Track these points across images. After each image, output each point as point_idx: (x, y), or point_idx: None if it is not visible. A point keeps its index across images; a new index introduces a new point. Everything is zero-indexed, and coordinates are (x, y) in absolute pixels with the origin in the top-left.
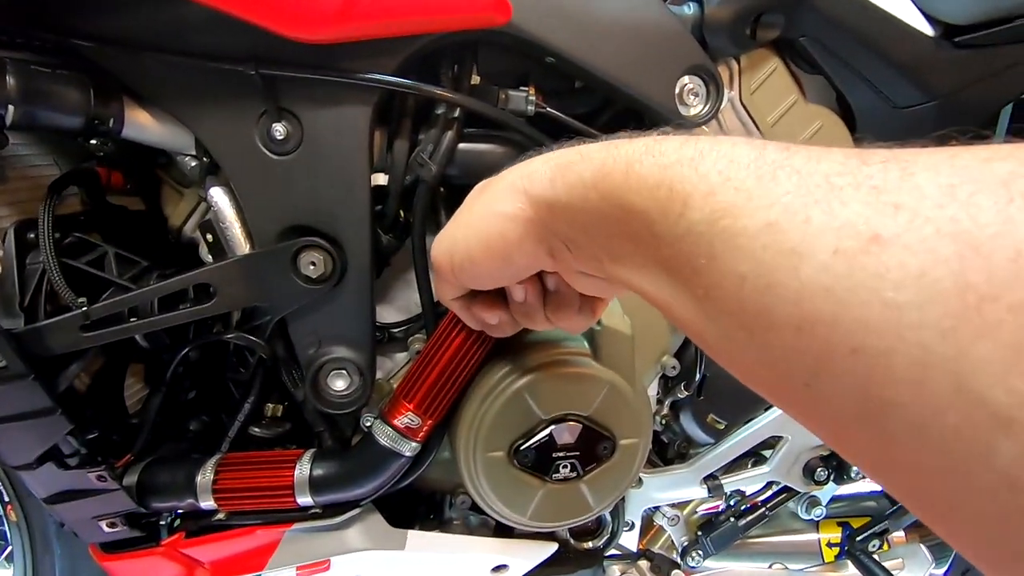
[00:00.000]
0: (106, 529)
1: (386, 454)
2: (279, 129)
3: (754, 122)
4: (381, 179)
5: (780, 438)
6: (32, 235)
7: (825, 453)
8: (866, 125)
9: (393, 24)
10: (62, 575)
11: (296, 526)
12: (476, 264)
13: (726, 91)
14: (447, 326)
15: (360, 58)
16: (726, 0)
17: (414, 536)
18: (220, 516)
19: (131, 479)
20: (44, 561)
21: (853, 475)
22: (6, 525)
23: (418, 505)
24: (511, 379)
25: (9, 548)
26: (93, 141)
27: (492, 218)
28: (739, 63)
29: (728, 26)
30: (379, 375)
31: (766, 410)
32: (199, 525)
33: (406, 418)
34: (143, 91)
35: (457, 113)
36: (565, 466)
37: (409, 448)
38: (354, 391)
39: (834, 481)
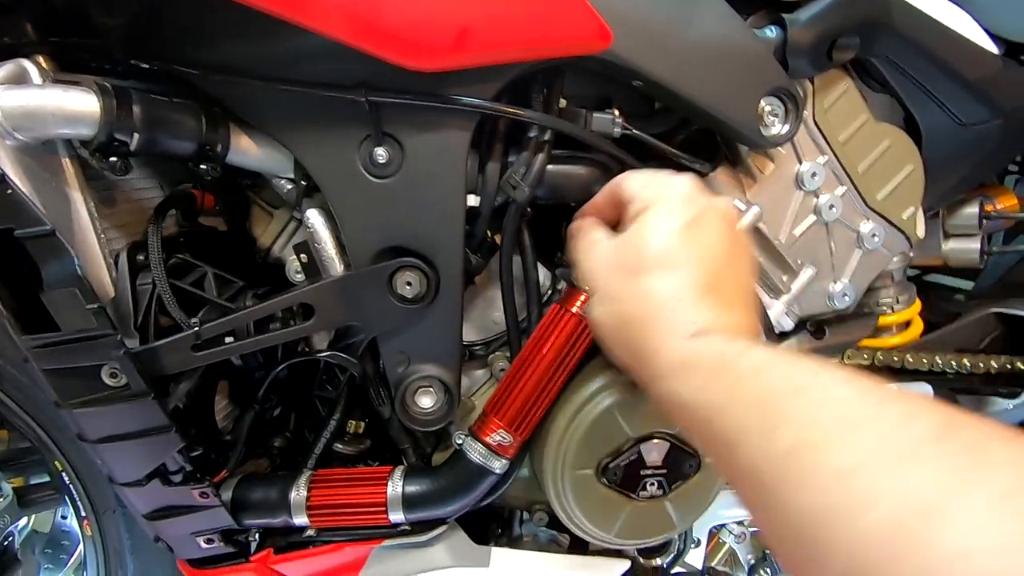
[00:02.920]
0: (203, 545)
1: (477, 471)
2: (381, 153)
3: (827, 141)
4: (472, 200)
5: None
6: (141, 257)
7: None
8: (933, 143)
9: (502, 53)
10: None
11: (384, 543)
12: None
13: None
14: (536, 343)
15: (463, 84)
16: (808, 24)
17: (498, 553)
18: (310, 532)
19: (226, 496)
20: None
21: None
22: (81, 539)
23: (489, 523)
24: (600, 397)
25: (77, 551)
26: (202, 167)
27: (645, 341)
28: (813, 84)
29: (809, 49)
30: (460, 392)
31: None
32: (287, 541)
33: (497, 435)
34: (249, 117)
35: (548, 136)
36: (652, 484)
37: (499, 465)
38: (440, 408)
39: None
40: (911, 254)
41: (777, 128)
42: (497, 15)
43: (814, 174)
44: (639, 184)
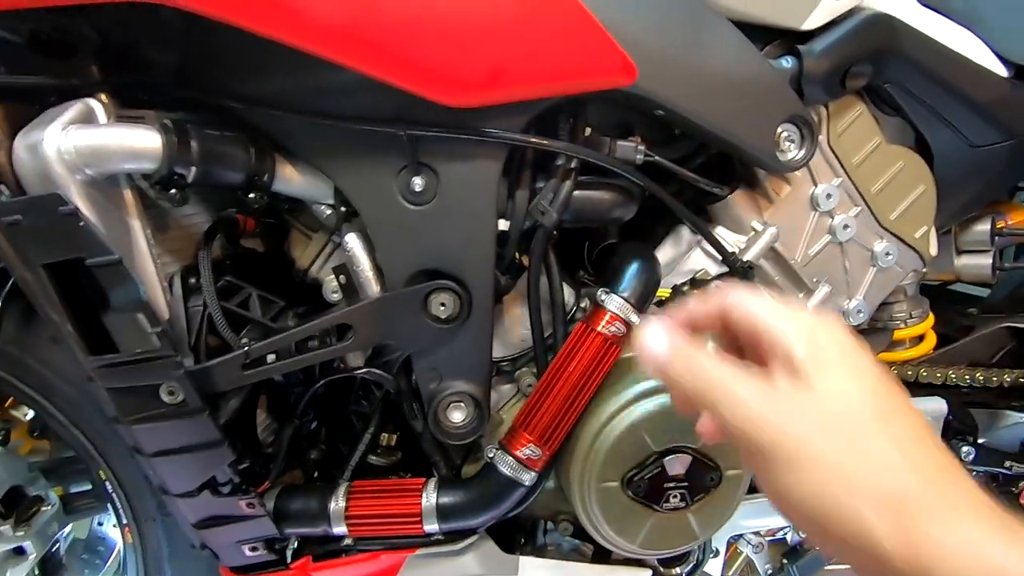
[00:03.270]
0: (248, 553)
1: (508, 483)
2: (418, 182)
3: (841, 164)
4: (502, 224)
5: None
6: (192, 280)
7: None
8: (944, 164)
9: (532, 89)
10: None
11: (418, 551)
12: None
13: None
14: (563, 360)
15: (496, 118)
16: (822, 54)
17: (526, 562)
18: (347, 541)
19: (268, 506)
20: None
21: None
22: (123, 546)
23: (514, 532)
24: (625, 413)
25: (112, 556)
26: (251, 195)
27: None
28: (827, 109)
29: (823, 78)
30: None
31: None
32: (325, 549)
33: (527, 449)
34: (293, 148)
35: (574, 164)
36: (675, 496)
37: (529, 478)
38: (471, 422)
39: None
40: (924, 270)
41: (793, 153)
42: (528, 54)
43: (829, 195)
44: (790, 325)
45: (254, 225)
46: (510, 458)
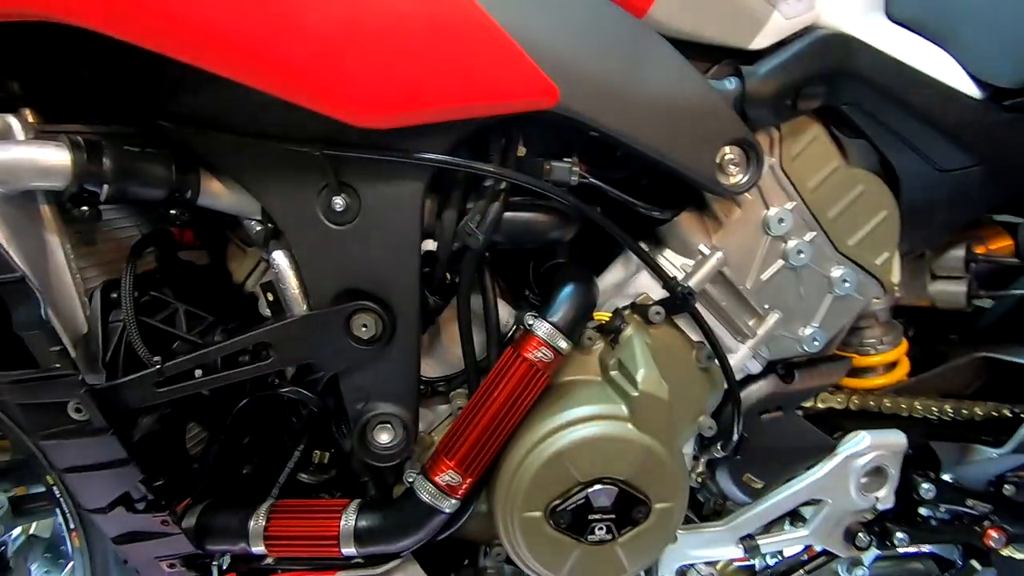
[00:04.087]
0: (166, 570)
1: (427, 510)
2: (339, 202)
3: (795, 188)
4: (430, 244)
5: (819, 501)
6: (115, 295)
7: (869, 518)
8: (910, 188)
9: (446, 111)
10: None
11: (339, 574)
12: None
13: (767, 159)
14: (489, 386)
15: (416, 138)
16: (767, 75)
17: None
18: (269, 560)
19: (190, 522)
20: None
21: (896, 542)
22: (70, 548)
23: (453, 554)
24: (549, 441)
25: (71, 564)
26: (172, 211)
27: None
28: (780, 131)
29: (769, 100)
30: (421, 427)
31: (806, 470)
32: (249, 568)
33: (447, 476)
34: (217, 165)
35: (503, 185)
36: (601, 528)
37: (449, 505)
38: (398, 444)
39: (876, 547)
40: (897, 295)
41: (738, 177)
42: (441, 76)
43: (781, 220)
44: None
45: (192, 237)
46: (430, 484)
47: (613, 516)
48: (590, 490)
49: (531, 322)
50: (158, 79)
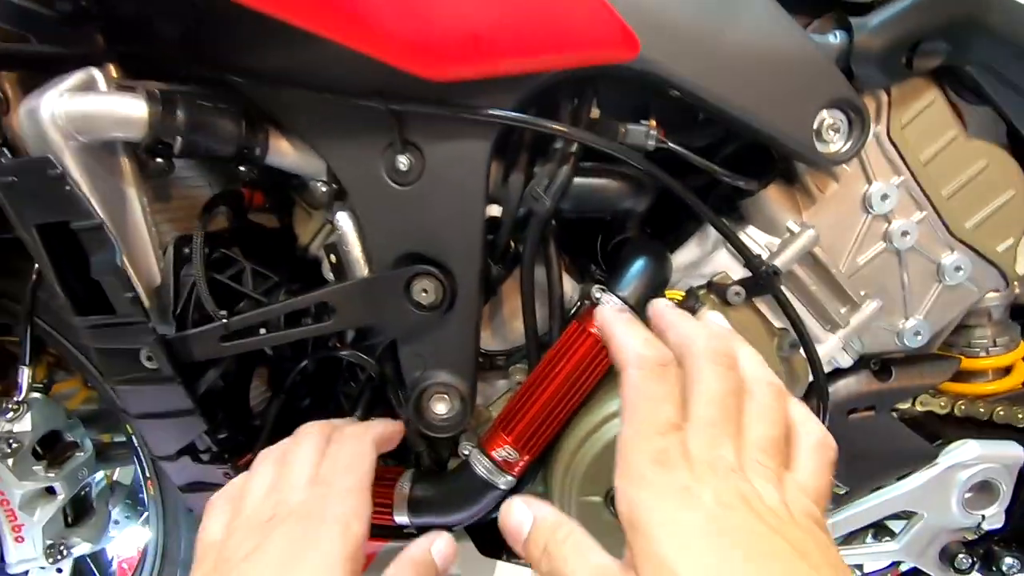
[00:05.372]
0: None
1: (482, 485)
2: (403, 161)
3: (904, 160)
4: (495, 210)
5: (913, 514)
6: (187, 250)
7: (970, 538)
8: None
9: (519, 63)
10: (185, 547)
11: (390, 543)
12: None
13: (872, 126)
14: (550, 361)
15: (483, 94)
16: (880, 27)
17: (503, 568)
18: None
19: None
20: (172, 532)
21: (1005, 568)
22: (146, 496)
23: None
24: (613, 424)
25: (146, 513)
26: (242, 168)
27: None
28: (889, 94)
29: (880, 55)
30: (479, 401)
31: (899, 479)
32: None
33: (504, 451)
34: (284, 122)
35: (574, 148)
36: None
37: (504, 481)
38: (454, 416)
39: (979, 571)
40: (1017, 291)
41: (838, 144)
42: (513, 24)
43: (885, 196)
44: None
45: (263, 199)
46: (486, 459)
47: None
48: None
49: (599, 295)
50: (228, 34)
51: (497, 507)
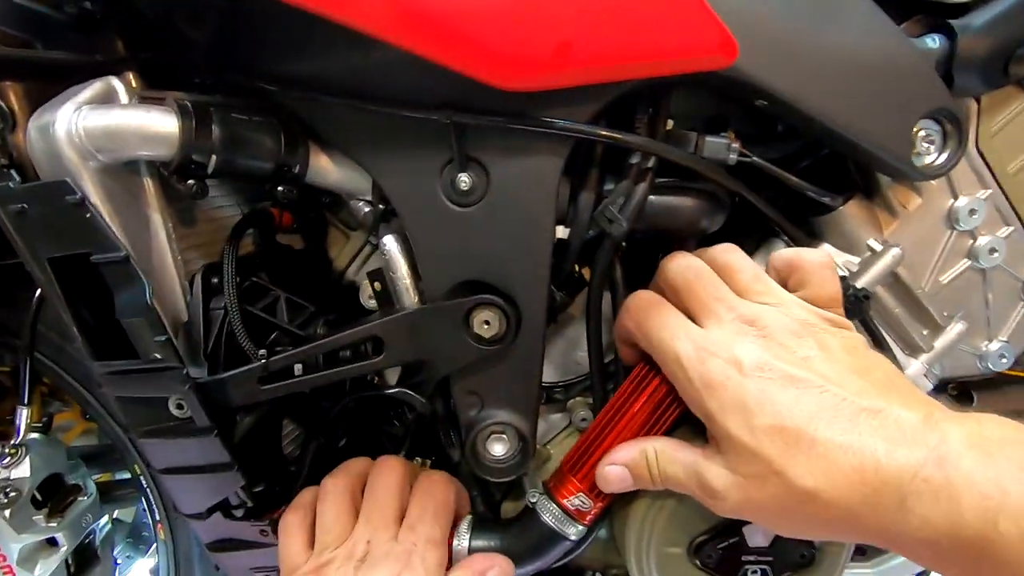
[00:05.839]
0: None
1: (550, 535)
2: (464, 179)
3: (991, 171)
4: (561, 232)
5: None
6: (215, 280)
7: None
8: None
9: (609, 71)
10: None
11: None
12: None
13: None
14: (626, 396)
15: (559, 105)
16: (984, 30)
17: None
18: None
19: None
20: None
21: None
22: (153, 536)
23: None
24: None
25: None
26: (280, 188)
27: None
28: (979, 103)
29: (984, 61)
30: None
31: None
32: None
33: (576, 499)
34: (328, 136)
35: (651, 163)
36: (754, 571)
37: (575, 532)
38: (514, 458)
39: None
40: None
41: (932, 157)
42: (603, 28)
43: (973, 211)
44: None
45: (291, 220)
46: (555, 507)
47: (770, 559)
48: (745, 527)
49: None
50: (270, 38)
51: (563, 558)
